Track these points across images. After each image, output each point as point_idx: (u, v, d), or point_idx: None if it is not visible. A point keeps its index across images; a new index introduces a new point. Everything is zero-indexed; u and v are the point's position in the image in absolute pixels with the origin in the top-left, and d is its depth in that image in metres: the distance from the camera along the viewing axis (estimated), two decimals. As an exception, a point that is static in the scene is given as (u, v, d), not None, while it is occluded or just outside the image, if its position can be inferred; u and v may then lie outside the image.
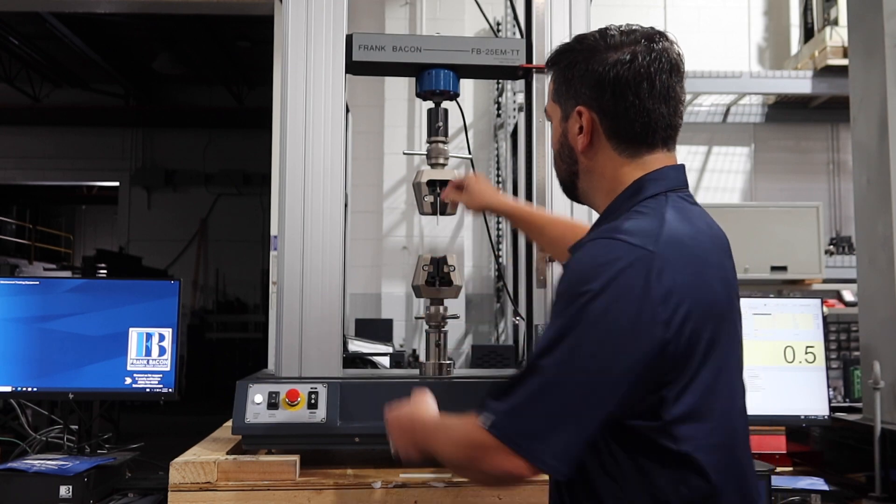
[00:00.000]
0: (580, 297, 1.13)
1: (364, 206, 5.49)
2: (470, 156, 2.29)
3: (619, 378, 1.12)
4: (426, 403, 1.41)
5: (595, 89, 1.28)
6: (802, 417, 2.15)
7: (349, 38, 2.05)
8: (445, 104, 2.15)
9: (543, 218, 1.92)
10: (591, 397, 1.12)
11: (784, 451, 2.40)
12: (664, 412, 1.15)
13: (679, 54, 1.29)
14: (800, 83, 5.62)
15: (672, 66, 1.27)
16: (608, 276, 1.13)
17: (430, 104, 2.17)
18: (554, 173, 2.07)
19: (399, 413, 1.42)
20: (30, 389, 2.15)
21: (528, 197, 2.16)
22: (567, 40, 1.39)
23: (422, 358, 2.49)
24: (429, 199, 2.07)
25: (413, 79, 2.17)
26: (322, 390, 1.86)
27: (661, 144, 1.29)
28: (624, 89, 1.25)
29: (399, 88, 5.56)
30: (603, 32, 1.32)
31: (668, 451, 1.16)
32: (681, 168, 1.32)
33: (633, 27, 1.32)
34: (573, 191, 1.41)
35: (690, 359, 1.16)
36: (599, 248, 1.18)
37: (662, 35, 1.30)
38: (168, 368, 2.15)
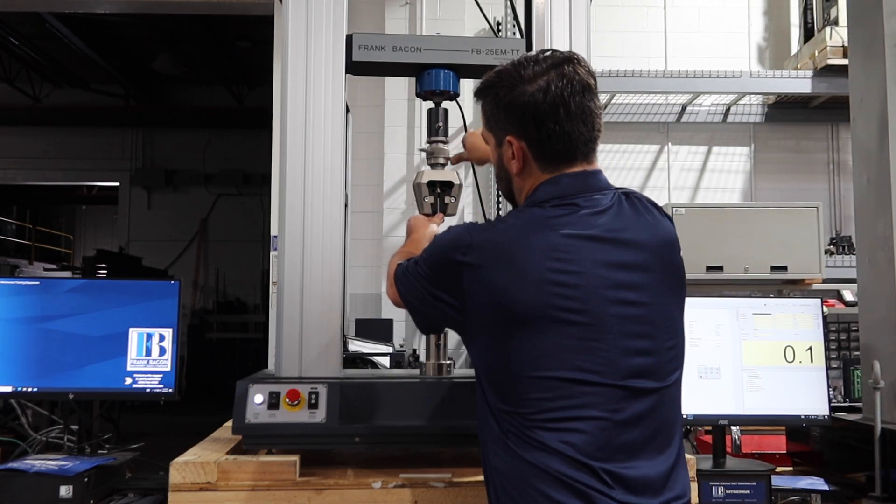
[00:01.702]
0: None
1: (364, 206, 5.48)
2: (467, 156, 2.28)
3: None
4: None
5: (519, 120, 1.43)
6: (802, 417, 2.15)
7: (349, 38, 2.05)
8: (445, 104, 2.15)
9: None
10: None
11: (784, 451, 2.40)
12: None
13: (589, 72, 1.44)
14: (800, 83, 5.62)
15: (584, 87, 1.42)
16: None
17: (430, 104, 2.17)
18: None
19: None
20: (30, 390, 2.15)
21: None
22: (494, 72, 1.50)
23: (422, 358, 2.49)
24: (429, 199, 2.07)
25: (413, 79, 2.17)
26: (322, 390, 1.86)
27: (581, 158, 1.45)
28: (544, 118, 1.41)
29: (399, 88, 5.55)
30: (518, 65, 1.45)
31: None
32: (581, 174, 1.44)
33: (546, 53, 1.46)
34: (514, 204, 1.57)
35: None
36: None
37: (570, 59, 1.44)
38: (168, 368, 2.15)
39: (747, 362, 2.14)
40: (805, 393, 2.15)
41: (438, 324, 1.57)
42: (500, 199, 5.55)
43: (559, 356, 1.33)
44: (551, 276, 1.34)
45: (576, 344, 1.33)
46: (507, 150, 1.47)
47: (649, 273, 1.40)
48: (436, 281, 1.46)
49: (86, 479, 1.89)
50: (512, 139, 1.45)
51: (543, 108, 1.40)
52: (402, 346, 5.15)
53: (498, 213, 5.54)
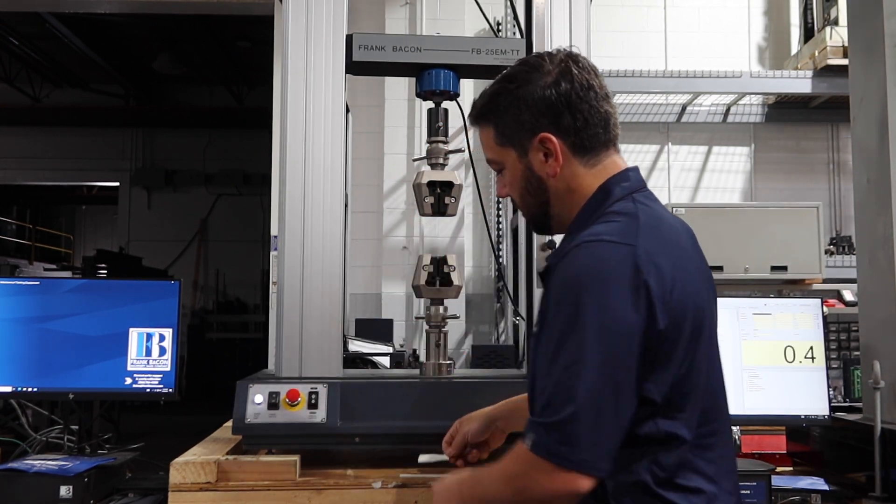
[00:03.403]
0: (575, 307, 1.17)
1: (364, 206, 5.48)
2: (463, 149, 2.27)
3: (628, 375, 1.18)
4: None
5: (549, 113, 1.33)
6: (802, 417, 2.15)
7: (349, 38, 2.05)
8: (445, 104, 2.15)
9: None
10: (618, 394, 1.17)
11: (784, 451, 2.40)
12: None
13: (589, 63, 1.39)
14: (800, 83, 5.61)
15: (594, 69, 1.37)
16: (598, 280, 1.17)
17: (430, 104, 2.17)
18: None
19: (443, 481, 1.39)
20: (30, 390, 2.15)
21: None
22: (491, 83, 1.43)
23: (422, 358, 2.49)
24: (429, 199, 2.07)
25: (413, 79, 2.17)
26: (322, 390, 1.86)
27: (612, 144, 1.38)
28: (577, 103, 1.32)
29: (399, 88, 5.55)
30: (524, 64, 1.39)
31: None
32: (637, 169, 1.39)
33: (543, 52, 1.41)
34: (546, 222, 1.43)
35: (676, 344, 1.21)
36: (584, 254, 1.21)
37: (571, 53, 1.38)
38: (168, 368, 2.15)
39: (747, 362, 2.14)
40: (805, 393, 2.15)
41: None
42: (500, 200, 5.54)
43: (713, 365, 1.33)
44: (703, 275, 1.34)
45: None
46: (537, 155, 1.35)
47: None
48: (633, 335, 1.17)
49: (86, 479, 1.89)
50: (546, 136, 1.33)
51: (573, 93, 1.32)
52: (402, 346, 5.15)
53: (498, 213, 5.53)
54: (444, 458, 1.71)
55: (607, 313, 1.15)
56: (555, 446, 1.14)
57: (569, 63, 1.34)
